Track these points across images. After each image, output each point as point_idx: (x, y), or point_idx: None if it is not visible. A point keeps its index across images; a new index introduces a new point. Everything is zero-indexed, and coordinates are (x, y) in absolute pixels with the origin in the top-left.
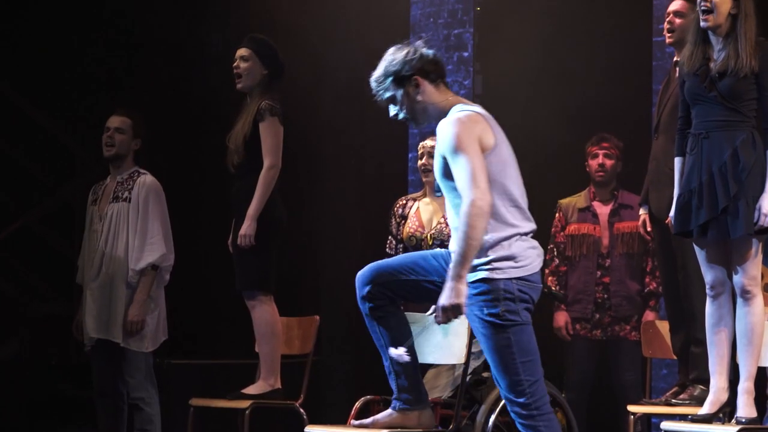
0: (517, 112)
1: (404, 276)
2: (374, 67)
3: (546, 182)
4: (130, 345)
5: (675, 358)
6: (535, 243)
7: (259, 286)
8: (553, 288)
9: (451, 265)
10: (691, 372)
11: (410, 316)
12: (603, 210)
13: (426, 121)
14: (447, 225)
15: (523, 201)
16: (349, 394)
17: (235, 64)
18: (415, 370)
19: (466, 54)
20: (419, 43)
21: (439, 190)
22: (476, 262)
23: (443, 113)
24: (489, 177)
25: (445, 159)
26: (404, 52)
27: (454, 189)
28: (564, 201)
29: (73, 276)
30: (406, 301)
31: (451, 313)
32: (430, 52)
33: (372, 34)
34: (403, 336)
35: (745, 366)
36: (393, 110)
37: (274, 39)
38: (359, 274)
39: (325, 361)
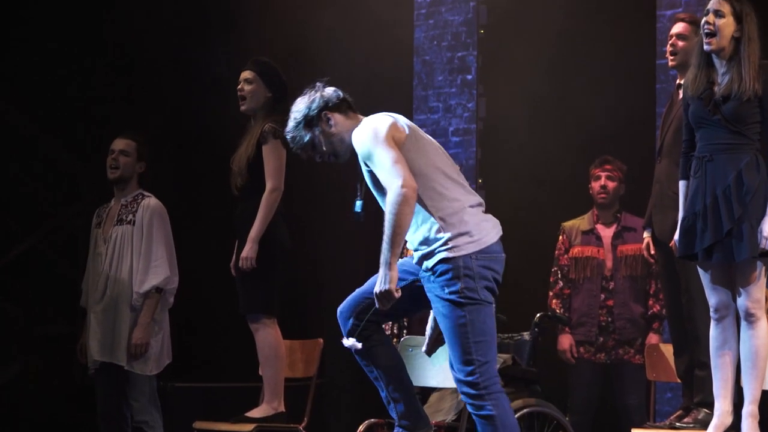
0: (521, 134)
1: None
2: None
3: (550, 205)
4: (134, 368)
5: (679, 381)
6: (488, 216)
7: (262, 309)
8: (557, 311)
9: (381, 253)
10: (695, 395)
11: (412, 339)
12: (606, 232)
13: (348, 151)
14: None
15: (459, 176)
16: (352, 417)
17: (239, 86)
18: (411, 394)
19: (469, 77)
20: (318, 84)
21: None
22: (434, 245)
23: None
24: (415, 162)
25: (367, 164)
26: (306, 97)
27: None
28: (567, 224)
29: (77, 299)
30: (397, 318)
31: (384, 300)
32: (330, 88)
33: (376, 57)
34: (395, 364)
35: (749, 389)
36: (317, 155)
37: (277, 62)
38: (339, 309)
39: (328, 384)
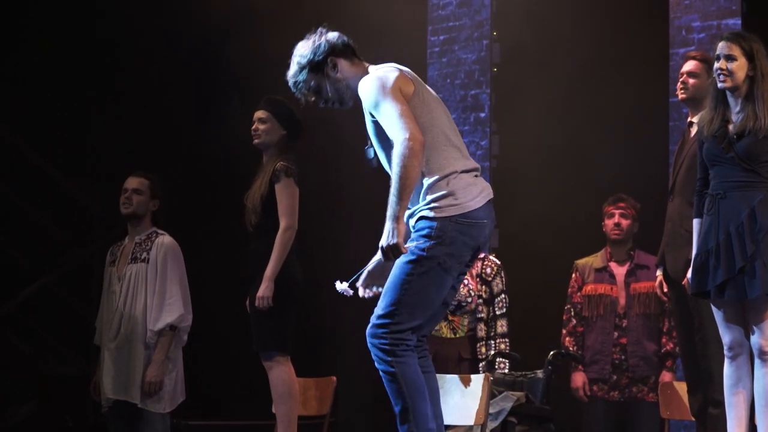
0: (534, 172)
1: None
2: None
3: (562, 242)
4: (147, 406)
5: (693, 419)
6: (479, 180)
7: (275, 347)
8: (571, 348)
9: (388, 206)
10: None
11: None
12: (619, 270)
13: (352, 99)
14: (464, 286)
15: (459, 140)
16: None
17: (253, 126)
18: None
19: (483, 115)
20: (321, 29)
21: None
22: (418, 204)
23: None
24: (420, 119)
25: (373, 116)
26: (310, 41)
27: (391, 147)
28: (580, 261)
29: (91, 337)
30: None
31: (390, 253)
32: (335, 33)
33: None
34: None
35: (763, 427)
36: (321, 101)
37: (290, 100)
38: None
39: (342, 422)
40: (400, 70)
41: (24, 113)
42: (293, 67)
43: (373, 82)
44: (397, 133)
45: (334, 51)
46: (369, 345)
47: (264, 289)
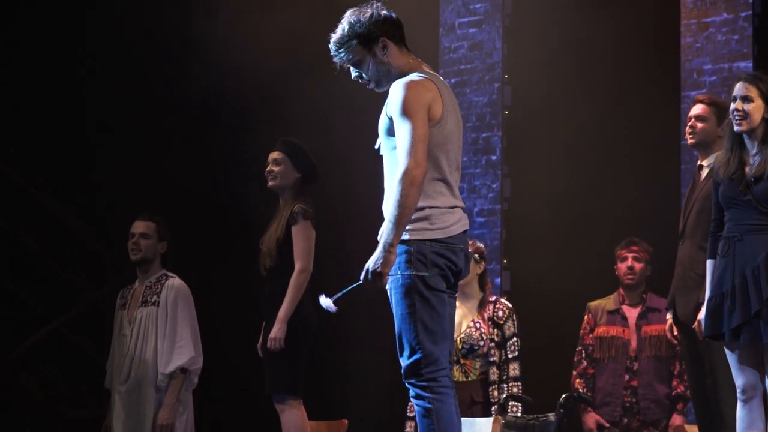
0: (546, 215)
1: None
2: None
3: (574, 286)
4: None
5: None
6: (456, 211)
7: (288, 390)
8: (580, 390)
9: (382, 232)
10: None
11: None
12: (632, 313)
13: (388, 84)
14: (476, 329)
15: (454, 177)
16: None
17: (268, 168)
18: None
19: (494, 157)
20: (378, 4)
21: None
22: None
23: (404, 76)
24: (429, 148)
25: (391, 119)
26: (368, 13)
27: (395, 149)
28: (593, 303)
29: (102, 380)
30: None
31: (373, 280)
32: (393, 14)
33: None
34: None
35: None
36: (355, 73)
37: (307, 144)
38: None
39: None
40: (440, 90)
41: (33, 157)
42: (341, 32)
43: (408, 91)
44: (407, 156)
45: (389, 32)
46: (407, 385)
47: (276, 331)
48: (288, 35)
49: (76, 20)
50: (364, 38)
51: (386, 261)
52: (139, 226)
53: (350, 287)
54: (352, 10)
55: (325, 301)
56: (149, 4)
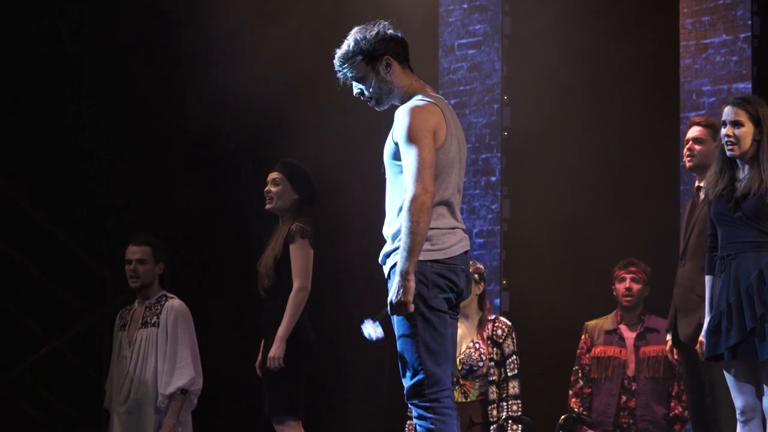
0: (545, 235)
1: None
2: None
3: (573, 306)
4: None
5: None
6: (457, 231)
7: (287, 411)
8: (576, 409)
9: (398, 262)
10: None
11: None
12: (629, 334)
13: (389, 103)
14: (476, 350)
15: (456, 200)
16: None
17: (266, 188)
18: None
19: (494, 178)
20: (386, 23)
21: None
22: (396, 244)
23: (406, 97)
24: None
25: (397, 145)
26: (374, 31)
27: (401, 172)
28: (590, 323)
29: (101, 401)
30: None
31: (399, 310)
32: (399, 33)
33: None
34: None
35: None
36: (357, 89)
37: (307, 165)
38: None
39: None
40: (444, 113)
41: (35, 180)
42: (346, 48)
43: (413, 116)
44: (414, 182)
45: (394, 51)
46: (410, 405)
47: (275, 350)
48: (285, 56)
49: (72, 44)
50: (368, 55)
51: (406, 289)
52: (134, 252)
53: (385, 309)
54: (359, 27)
55: (375, 331)
56: (145, 24)
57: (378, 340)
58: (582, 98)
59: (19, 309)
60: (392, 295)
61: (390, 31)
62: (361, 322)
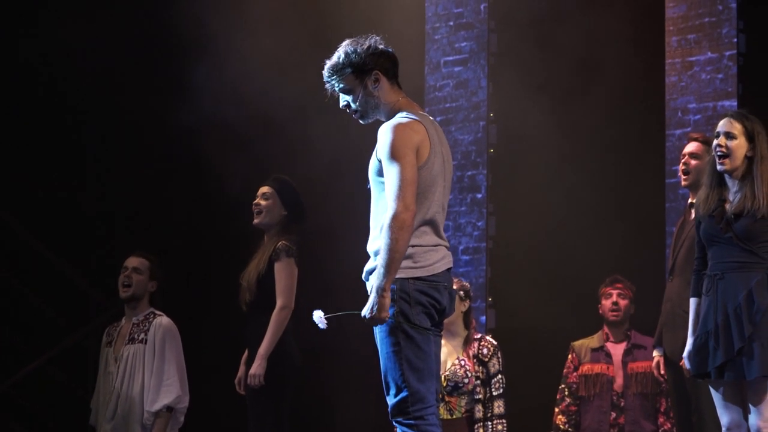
0: (531, 253)
1: None
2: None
3: (560, 323)
4: None
5: None
6: (440, 248)
7: (271, 430)
8: (562, 427)
9: (374, 277)
10: None
11: None
12: (616, 350)
13: (374, 117)
14: (461, 367)
15: (439, 218)
16: None
17: (255, 201)
18: None
19: (479, 195)
20: (378, 38)
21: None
22: (375, 264)
23: (392, 114)
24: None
25: (380, 162)
26: (366, 45)
27: (384, 191)
28: (577, 343)
29: (87, 418)
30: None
31: (373, 324)
32: (390, 49)
33: None
34: None
35: None
36: (344, 101)
37: (295, 181)
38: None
39: None
40: (428, 131)
41: (20, 196)
42: (336, 59)
43: (396, 134)
44: (395, 200)
45: (383, 67)
46: (394, 423)
47: (257, 367)
48: (272, 72)
49: (56, 64)
50: (358, 68)
51: (381, 305)
52: (132, 261)
53: (347, 312)
54: (351, 39)
55: (319, 316)
56: (132, 39)
57: (320, 327)
58: (567, 116)
59: (4, 325)
60: (366, 310)
61: (381, 46)
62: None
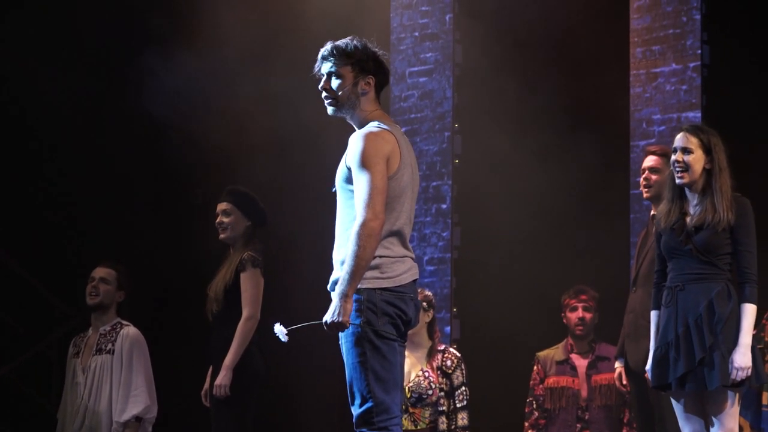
0: (496, 263)
1: None
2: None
3: (524, 333)
4: None
5: None
6: (406, 260)
7: None
8: None
9: (338, 284)
10: None
11: None
12: (581, 362)
13: (344, 115)
14: (425, 378)
15: (407, 229)
16: None
17: (217, 220)
18: None
19: (444, 206)
20: (383, 52)
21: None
22: (339, 275)
23: (365, 122)
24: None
25: (350, 169)
26: (374, 50)
27: (352, 197)
28: (542, 354)
29: (53, 429)
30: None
31: (334, 330)
32: (389, 68)
33: None
34: None
35: None
36: (323, 83)
37: (257, 193)
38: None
39: None
40: (398, 143)
41: None
42: (345, 45)
43: (367, 142)
44: (364, 208)
45: (378, 77)
46: None
47: (222, 378)
48: (232, 82)
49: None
50: (358, 64)
51: (344, 311)
52: (100, 271)
53: (308, 323)
54: (364, 39)
55: (280, 329)
56: (97, 50)
57: (281, 340)
58: (532, 127)
59: None
60: (328, 316)
61: (384, 60)
62: (283, 324)
